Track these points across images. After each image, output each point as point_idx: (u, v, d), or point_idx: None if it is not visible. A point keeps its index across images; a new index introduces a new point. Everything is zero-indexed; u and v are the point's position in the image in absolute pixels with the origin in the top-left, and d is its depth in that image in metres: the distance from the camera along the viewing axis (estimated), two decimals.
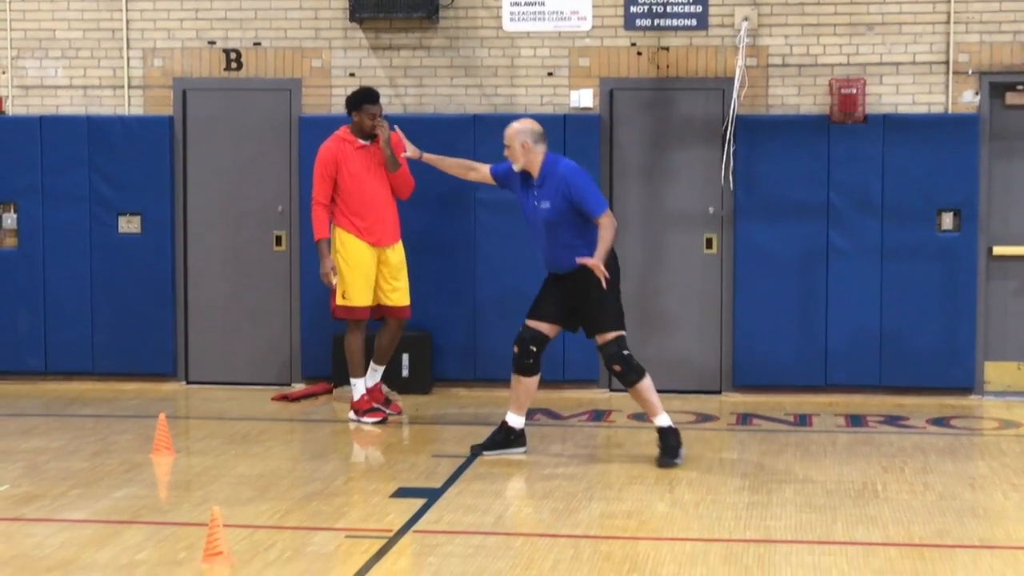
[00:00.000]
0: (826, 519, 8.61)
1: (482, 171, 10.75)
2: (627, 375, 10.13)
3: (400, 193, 11.98)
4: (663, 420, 10.20)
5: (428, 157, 10.97)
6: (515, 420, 10.43)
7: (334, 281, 11.78)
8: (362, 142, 11.79)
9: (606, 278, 9.81)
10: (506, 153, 10.30)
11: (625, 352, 10.13)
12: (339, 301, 11.82)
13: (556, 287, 10.31)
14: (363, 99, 11.79)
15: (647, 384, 10.17)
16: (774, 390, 12.96)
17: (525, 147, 10.18)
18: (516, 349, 10.27)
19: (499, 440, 10.44)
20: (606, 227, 9.98)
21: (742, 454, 10.65)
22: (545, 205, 10.14)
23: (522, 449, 10.49)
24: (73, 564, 7.58)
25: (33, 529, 8.33)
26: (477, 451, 10.39)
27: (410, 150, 10.99)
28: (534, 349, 10.25)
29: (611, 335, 10.14)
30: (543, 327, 10.28)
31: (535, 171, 10.20)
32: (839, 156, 12.77)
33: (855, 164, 12.76)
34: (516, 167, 10.29)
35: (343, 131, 11.88)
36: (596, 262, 9.77)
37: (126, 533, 8.20)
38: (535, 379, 10.35)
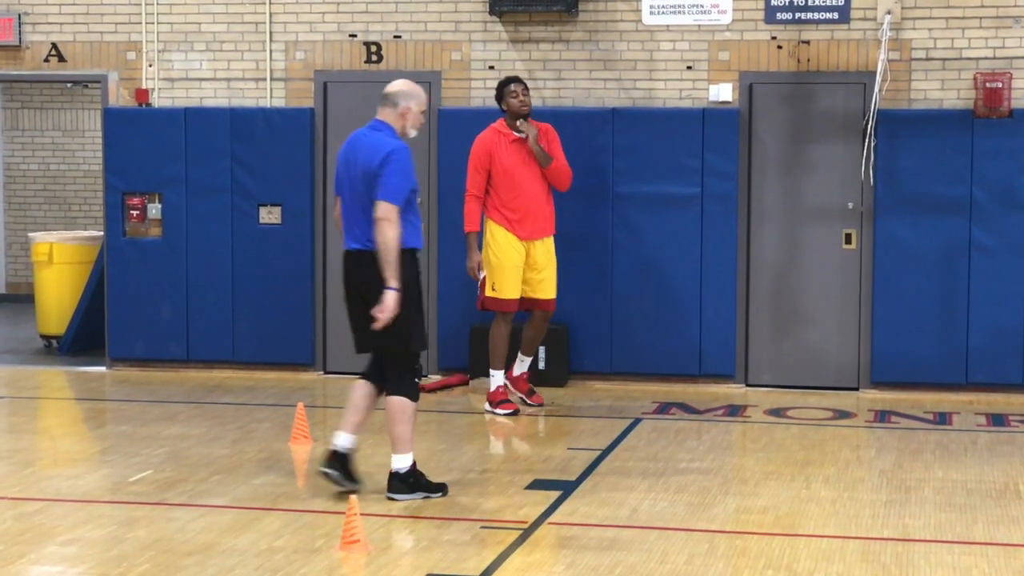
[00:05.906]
0: (966, 519, 8.50)
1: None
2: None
3: (558, 185, 11.98)
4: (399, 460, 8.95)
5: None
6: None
7: (480, 276, 11.84)
8: (516, 135, 11.81)
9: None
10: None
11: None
12: (488, 293, 11.85)
13: None
14: (502, 85, 11.90)
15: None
16: (913, 387, 12.80)
17: None
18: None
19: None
20: None
21: (880, 451, 10.54)
22: None
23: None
24: (213, 549, 7.70)
25: (175, 513, 8.48)
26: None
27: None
28: None
29: None
30: None
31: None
32: (983, 151, 12.58)
33: (1000, 159, 12.55)
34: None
35: (499, 123, 11.90)
36: None
37: (265, 520, 8.32)
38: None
